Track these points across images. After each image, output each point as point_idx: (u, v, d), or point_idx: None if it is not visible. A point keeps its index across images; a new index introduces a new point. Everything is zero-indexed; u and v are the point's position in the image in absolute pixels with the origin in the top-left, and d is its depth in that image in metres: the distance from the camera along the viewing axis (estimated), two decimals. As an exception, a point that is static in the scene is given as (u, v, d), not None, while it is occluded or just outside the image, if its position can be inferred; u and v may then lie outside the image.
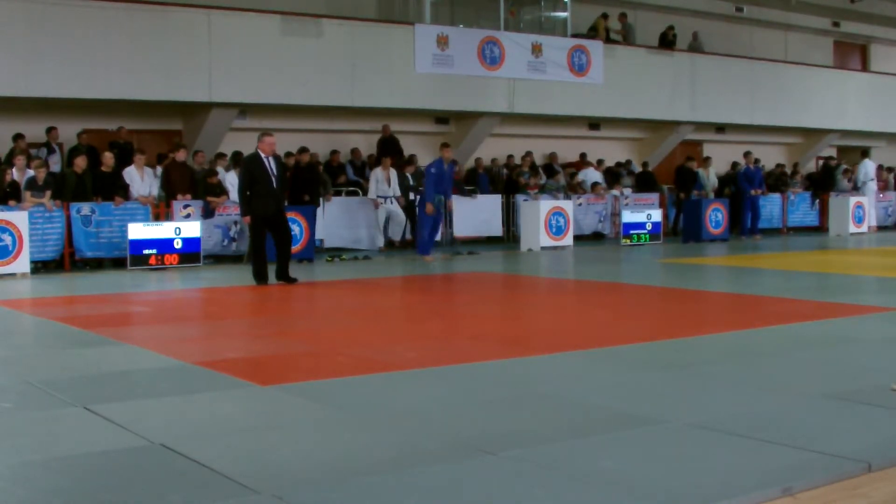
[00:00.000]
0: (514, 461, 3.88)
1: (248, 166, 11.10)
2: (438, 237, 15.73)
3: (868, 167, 22.06)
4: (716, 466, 3.79)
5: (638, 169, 21.60)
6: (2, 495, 3.53)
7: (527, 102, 19.72)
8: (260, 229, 11.08)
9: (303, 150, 15.96)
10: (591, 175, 20.25)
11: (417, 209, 15.44)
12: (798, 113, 23.84)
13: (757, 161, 20.71)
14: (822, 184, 22.57)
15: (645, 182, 20.80)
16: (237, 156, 15.89)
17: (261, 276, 11.02)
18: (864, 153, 22.74)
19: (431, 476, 3.72)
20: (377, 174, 16.83)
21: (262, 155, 10.98)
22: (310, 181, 15.53)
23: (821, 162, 25.62)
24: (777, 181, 21.90)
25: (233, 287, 11.44)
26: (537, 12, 21.04)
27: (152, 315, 9.01)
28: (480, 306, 9.69)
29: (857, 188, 21.92)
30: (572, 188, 19.56)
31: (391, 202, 16.82)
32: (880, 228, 21.90)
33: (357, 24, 17.94)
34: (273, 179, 10.97)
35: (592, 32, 21.27)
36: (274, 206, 11.04)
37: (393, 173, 16.90)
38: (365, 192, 17.31)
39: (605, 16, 21.75)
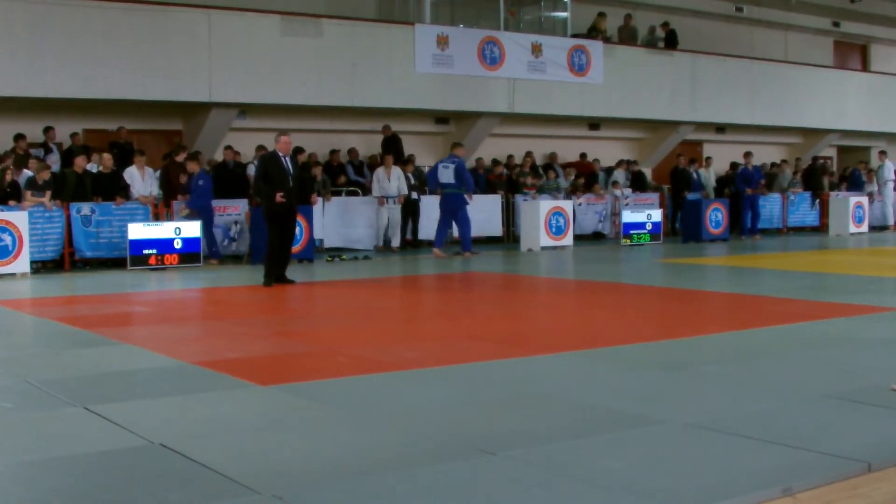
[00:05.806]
0: (514, 461, 3.88)
1: (266, 163, 11.18)
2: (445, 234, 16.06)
3: (887, 169, 22.13)
4: (716, 466, 3.79)
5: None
6: (2, 495, 3.53)
7: (527, 102, 19.72)
8: (276, 227, 11.09)
9: (298, 150, 15.95)
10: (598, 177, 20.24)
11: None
12: (798, 113, 23.84)
13: (760, 165, 20.70)
14: (809, 184, 22.50)
15: (636, 183, 20.75)
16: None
17: (271, 277, 11.02)
18: (883, 153, 22.77)
19: (432, 476, 3.72)
20: (378, 173, 16.83)
21: (280, 154, 11.08)
22: (304, 181, 15.51)
23: (820, 162, 25.58)
24: (772, 180, 21.84)
25: (232, 287, 11.45)
26: (537, 12, 21.06)
27: (152, 315, 9.01)
28: (480, 306, 9.69)
29: (870, 191, 22.02)
30: (574, 190, 19.50)
31: (392, 202, 16.80)
32: (883, 229, 21.87)
33: (357, 24, 17.95)
34: (289, 178, 11.03)
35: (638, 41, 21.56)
36: (288, 205, 11.11)
37: (396, 172, 16.88)
38: (365, 192, 17.32)
39: (630, 16, 21.89)
